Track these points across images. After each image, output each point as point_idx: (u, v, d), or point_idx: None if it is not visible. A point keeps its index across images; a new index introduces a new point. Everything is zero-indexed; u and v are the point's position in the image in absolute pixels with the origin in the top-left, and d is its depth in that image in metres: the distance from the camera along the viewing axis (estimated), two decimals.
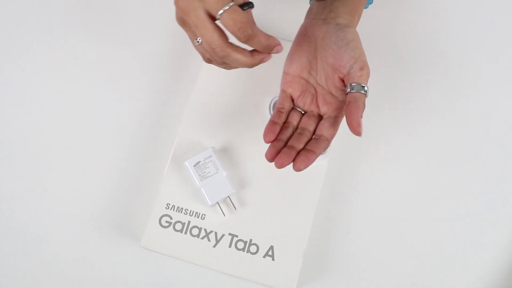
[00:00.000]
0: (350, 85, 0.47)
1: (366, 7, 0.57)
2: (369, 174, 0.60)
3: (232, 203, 0.55)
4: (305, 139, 0.49)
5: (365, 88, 0.47)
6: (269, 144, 0.48)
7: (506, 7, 0.65)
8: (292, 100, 0.52)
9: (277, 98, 0.58)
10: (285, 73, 0.53)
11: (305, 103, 0.52)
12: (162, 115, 0.61)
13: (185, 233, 0.55)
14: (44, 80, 0.62)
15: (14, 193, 0.59)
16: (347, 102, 0.47)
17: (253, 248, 0.55)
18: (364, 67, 0.47)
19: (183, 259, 0.54)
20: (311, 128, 0.50)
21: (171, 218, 0.55)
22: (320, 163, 0.57)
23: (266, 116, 0.58)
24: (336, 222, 0.58)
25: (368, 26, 0.63)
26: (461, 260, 0.57)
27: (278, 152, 0.47)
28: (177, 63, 0.63)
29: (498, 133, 0.61)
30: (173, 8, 0.69)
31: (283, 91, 0.53)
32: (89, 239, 0.58)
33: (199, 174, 0.55)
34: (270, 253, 0.55)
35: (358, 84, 0.47)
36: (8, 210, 0.59)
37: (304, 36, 0.51)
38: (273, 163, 0.46)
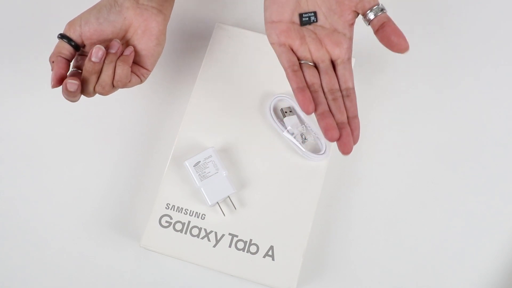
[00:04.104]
0: (371, 10, 0.43)
1: None
2: (369, 174, 0.60)
3: (232, 203, 0.55)
4: (342, 103, 0.45)
5: (384, 8, 0.44)
6: (323, 122, 0.43)
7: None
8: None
9: (278, 98, 0.58)
10: (272, 22, 0.46)
11: (310, 51, 0.46)
12: (162, 115, 0.61)
13: (185, 233, 0.55)
14: (43, 79, 0.62)
15: (15, 192, 0.59)
16: (379, 26, 0.43)
17: (253, 248, 0.55)
18: None
19: (183, 259, 0.54)
20: (337, 85, 0.46)
21: (171, 218, 0.55)
22: (320, 163, 0.57)
23: (266, 116, 0.58)
24: (336, 222, 0.58)
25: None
26: (461, 260, 0.57)
27: (336, 128, 0.44)
28: (177, 63, 0.63)
29: (499, 132, 0.61)
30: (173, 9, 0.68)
31: (280, 45, 0.46)
32: (89, 239, 0.58)
33: (199, 174, 0.55)
34: (270, 253, 0.55)
35: (376, 6, 0.43)
36: (8, 209, 0.59)
37: None
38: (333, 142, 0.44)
